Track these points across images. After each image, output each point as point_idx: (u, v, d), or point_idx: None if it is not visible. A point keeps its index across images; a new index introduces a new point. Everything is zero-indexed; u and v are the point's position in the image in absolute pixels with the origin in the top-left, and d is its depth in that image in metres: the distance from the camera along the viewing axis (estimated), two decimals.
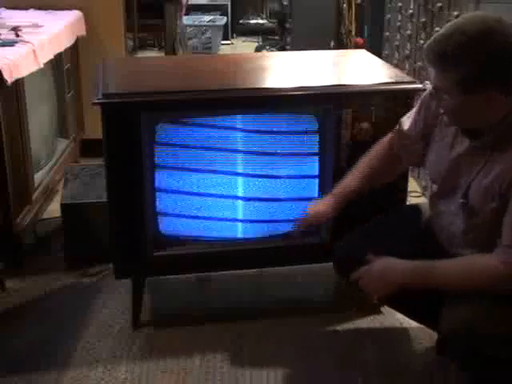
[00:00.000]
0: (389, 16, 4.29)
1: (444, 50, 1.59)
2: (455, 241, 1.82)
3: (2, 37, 2.81)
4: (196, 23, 7.15)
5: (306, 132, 2.21)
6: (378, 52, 3.77)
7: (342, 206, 2.04)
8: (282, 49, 6.48)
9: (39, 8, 3.53)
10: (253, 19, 8.22)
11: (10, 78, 2.40)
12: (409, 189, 2.38)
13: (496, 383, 1.70)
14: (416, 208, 2.11)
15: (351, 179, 2.05)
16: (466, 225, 1.77)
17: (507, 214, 1.63)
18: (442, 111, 1.72)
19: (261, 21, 8.20)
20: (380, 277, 1.79)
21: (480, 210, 1.71)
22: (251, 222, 2.28)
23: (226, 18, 7.59)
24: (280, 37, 7.07)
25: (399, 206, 2.24)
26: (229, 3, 7.90)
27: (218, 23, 7.26)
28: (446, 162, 1.80)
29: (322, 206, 2.06)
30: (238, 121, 2.18)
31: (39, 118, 3.01)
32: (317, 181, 2.25)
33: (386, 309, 2.38)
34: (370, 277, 1.80)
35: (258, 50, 7.01)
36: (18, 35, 2.84)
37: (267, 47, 7.07)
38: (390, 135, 2.05)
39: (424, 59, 1.69)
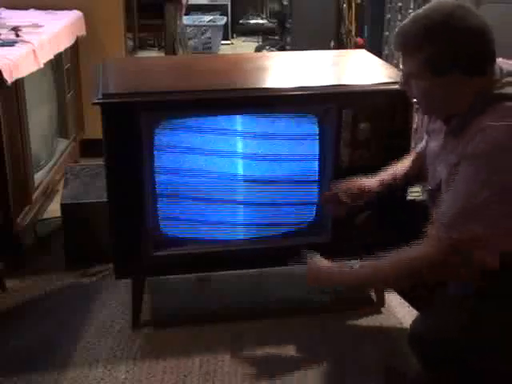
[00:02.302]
0: (389, 16, 4.29)
1: (410, 33, 1.69)
2: None
3: (2, 37, 2.81)
4: (196, 23, 7.15)
5: (305, 132, 2.21)
6: (378, 52, 3.77)
7: (387, 186, 2.07)
8: (282, 49, 6.48)
9: (39, 8, 3.53)
10: (253, 19, 8.22)
11: (10, 78, 2.40)
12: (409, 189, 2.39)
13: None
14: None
15: (399, 165, 2.10)
16: None
17: (449, 188, 1.66)
18: (414, 100, 1.78)
19: (261, 21, 8.20)
20: (315, 276, 1.89)
21: None
22: (251, 219, 2.29)
23: (226, 17, 7.59)
24: (280, 37, 7.07)
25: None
26: (229, 3, 7.90)
27: (218, 23, 7.26)
28: (430, 155, 1.88)
29: (365, 180, 2.09)
30: (238, 121, 2.18)
31: (39, 117, 3.01)
32: (317, 181, 2.25)
33: (385, 309, 2.38)
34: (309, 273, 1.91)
35: (258, 49, 7.02)
36: (18, 35, 2.84)
37: (267, 47, 7.08)
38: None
39: (393, 47, 1.79)
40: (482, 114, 1.62)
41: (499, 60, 1.70)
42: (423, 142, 2.06)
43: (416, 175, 2.09)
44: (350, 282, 1.88)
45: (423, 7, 1.74)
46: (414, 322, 1.82)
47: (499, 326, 1.65)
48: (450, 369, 1.71)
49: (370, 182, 2.09)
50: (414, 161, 2.10)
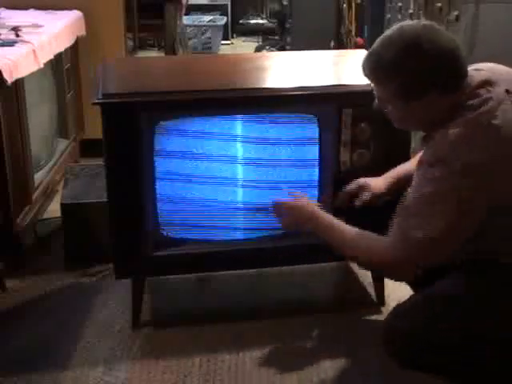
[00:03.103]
0: (389, 16, 4.29)
1: (376, 64, 1.69)
2: None
3: (2, 37, 2.81)
4: (196, 23, 7.15)
5: (305, 132, 2.21)
6: None
7: (394, 187, 2.07)
8: (282, 49, 6.48)
9: (39, 8, 3.53)
10: (253, 19, 8.22)
11: (10, 78, 2.40)
12: None
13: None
14: None
15: (405, 164, 2.10)
16: None
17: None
18: (391, 120, 1.80)
19: (261, 21, 8.20)
20: (290, 215, 1.99)
21: None
22: (251, 220, 2.29)
23: (226, 17, 7.59)
24: (280, 37, 7.07)
25: None
26: (229, 3, 7.90)
27: (218, 23, 7.26)
28: None
29: (373, 182, 2.09)
30: (238, 120, 2.18)
31: (39, 118, 3.01)
32: (317, 181, 2.25)
33: (385, 309, 2.38)
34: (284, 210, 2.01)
35: (258, 50, 7.02)
36: (17, 35, 2.84)
37: (267, 47, 7.08)
38: None
39: (363, 73, 1.77)
40: (447, 124, 1.65)
41: (470, 68, 1.72)
42: None
43: None
44: (316, 227, 1.94)
45: (392, 29, 1.73)
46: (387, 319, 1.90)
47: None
48: (425, 362, 1.80)
49: (377, 183, 2.09)
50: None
